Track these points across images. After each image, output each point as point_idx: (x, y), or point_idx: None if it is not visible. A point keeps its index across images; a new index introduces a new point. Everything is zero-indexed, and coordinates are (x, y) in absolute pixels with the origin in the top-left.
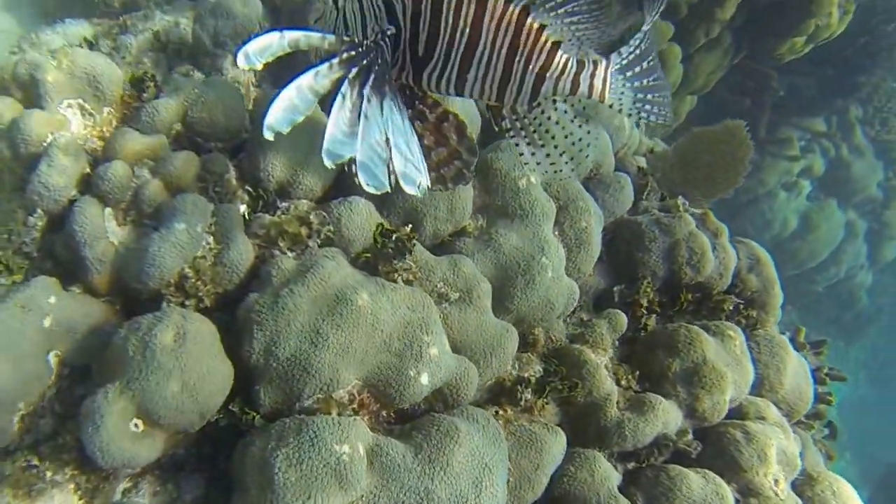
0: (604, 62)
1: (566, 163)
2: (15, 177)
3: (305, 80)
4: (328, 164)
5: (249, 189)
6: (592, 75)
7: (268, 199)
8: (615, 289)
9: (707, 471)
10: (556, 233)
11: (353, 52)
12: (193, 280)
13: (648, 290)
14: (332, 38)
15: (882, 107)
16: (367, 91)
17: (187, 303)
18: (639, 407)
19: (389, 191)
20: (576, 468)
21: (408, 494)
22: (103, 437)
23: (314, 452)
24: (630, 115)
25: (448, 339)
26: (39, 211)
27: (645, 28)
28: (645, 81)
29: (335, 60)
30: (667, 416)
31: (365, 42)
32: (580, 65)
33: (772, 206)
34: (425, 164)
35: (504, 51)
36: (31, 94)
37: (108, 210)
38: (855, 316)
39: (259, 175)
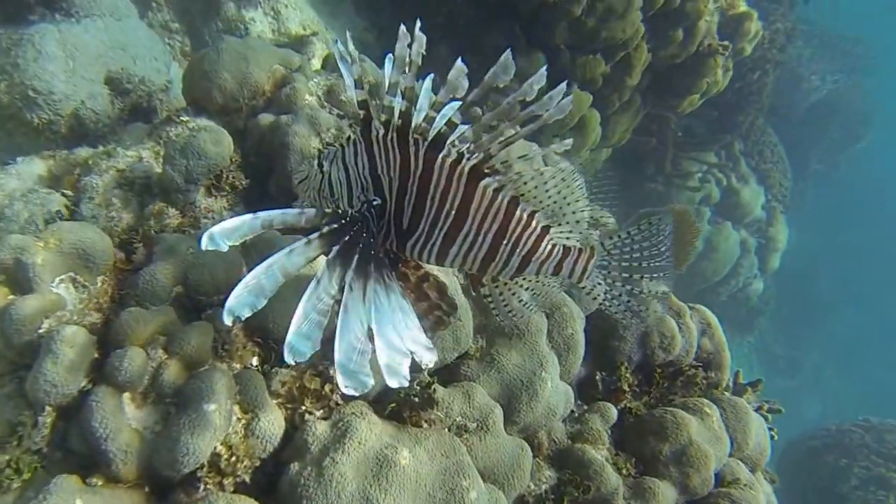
0: (586, 253)
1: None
2: (5, 362)
3: (277, 259)
4: (290, 360)
5: (259, 340)
6: (575, 262)
7: (279, 350)
8: (597, 378)
9: None
10: (547, 341)
11: (335, 226)
12: (227, 458)
13: (628, 375)
14: (310, 213)
15: (757, 140)
16: (349, 278)
17: (225, 482)
18: (642, 494)
19: (369, 389)
20: None
21: None
22: None
23: None
24: (602, 304)
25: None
26: (48, 408)
27: (653, 220)
28: (626, 276)
29: (314, 236)
30: (666, 499)
31: (350, 212)
32: (565, 251)
33: None
34: (422, 333)
35: (491, 235)
36: (18, 276)
37: (126, 395)
38: (747, 312)
39: (267, 326)
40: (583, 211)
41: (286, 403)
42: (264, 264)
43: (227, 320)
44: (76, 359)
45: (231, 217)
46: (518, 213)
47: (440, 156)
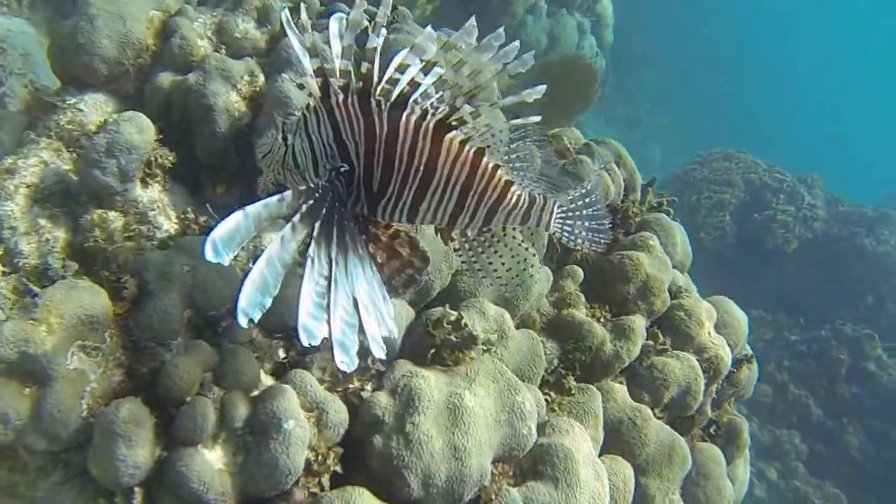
0: (551, 200)
1: (513, 279)
2: (42, 456)
3: (273, 251)
4: (305, 342)
5: (279, 335)
6: (542, 209)
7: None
8: (555, 240)
9: (677, 352)
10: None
11: (311, 202)
12: (315, 459)
13: None
14: (288, 197)
15: None
16: (334, 252)
17: (323, 480)
18: (622, 332)
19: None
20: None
21: None
22: None
23: None
24: (568, 242)
25: None
26: (136, 489)
27: (592, 178)
28: (585, 218)
29: (296, 219)
30: (641, 329)
31: (319, 183)
32: (532, 200)
33: (526, 33)
34: (389, 305)
35: (458, 187)
36: (26, 368)
37: (200, 446)
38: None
39: (286, 322)
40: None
41: (335, 387)
42: (262, 260)
43: (243, 322)
44: (146, 433)
45: (220, 220)
46: (483, 164)
47: (404, 115)
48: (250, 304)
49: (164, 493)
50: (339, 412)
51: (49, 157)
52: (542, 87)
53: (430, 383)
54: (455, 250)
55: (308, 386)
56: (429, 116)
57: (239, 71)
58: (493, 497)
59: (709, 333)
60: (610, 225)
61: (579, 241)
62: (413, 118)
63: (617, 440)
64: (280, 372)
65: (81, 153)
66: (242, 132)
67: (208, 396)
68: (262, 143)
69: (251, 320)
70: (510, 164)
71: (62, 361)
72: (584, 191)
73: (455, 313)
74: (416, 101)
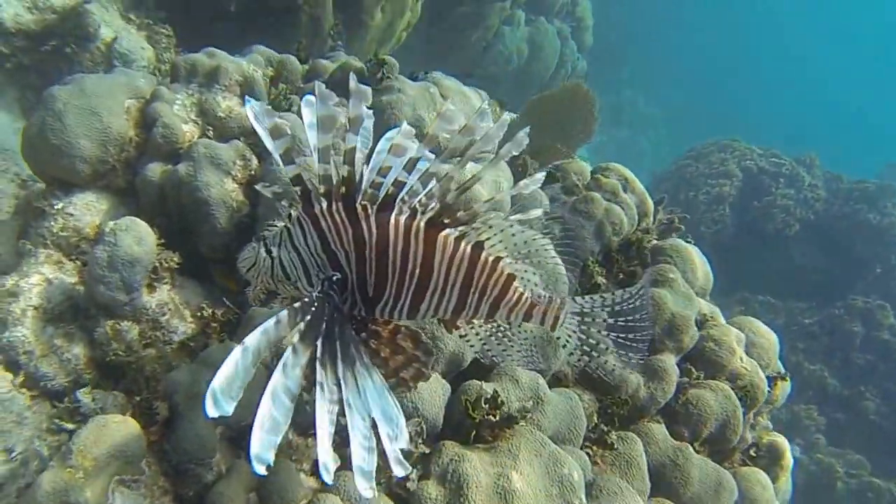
0: (558, 300)
1: (531, 356)
2: None
3: (276, 382)
4: (329, 480)
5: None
6: (545, 311)
7: None
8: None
9: (710, 383)
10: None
11: (308, 319)
12: None
13: (597, 268)
14: (284, 318)
15: None
16: (340, 370)
17: None
18: (655, 374)
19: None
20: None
21: None
22: None
23: None
24: (571, 354)
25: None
26: None
27: (635, 290)
28: (614, 329)
29: (296, 340)
30: (672, 367)
31: (314, 294)
32: (536, 299)
33: (504, 43)
34: (401, 414)
35: (458, 285)
36: None
37: None
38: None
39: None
40: (548, 253)
41: (377, 479)
42: (267, 395)
43: (260, 470)
44: None
45: (218, 368)
46: (482, 259)
47: (392, 216)
48: (263, 447)
49: None
50: None
51: (51, 273)
52: (523, 136)
53: (475, 466)
54: (462, 337)
55: (352, 490)
56: (418, 215)
57: (230, 156)
58: None
59: (741, 359)
60: (648, 342)
61: (594, 353)
62: (402, 219)
63: (661, 483)
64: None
65: (84, 266)
66: (244, 223)
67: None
68: (244, 257)
69: (268, 464)
70: (516, 254)
71: (104, 502)
72: (619, 297)
73: (491, 389)
74: (402, 201)
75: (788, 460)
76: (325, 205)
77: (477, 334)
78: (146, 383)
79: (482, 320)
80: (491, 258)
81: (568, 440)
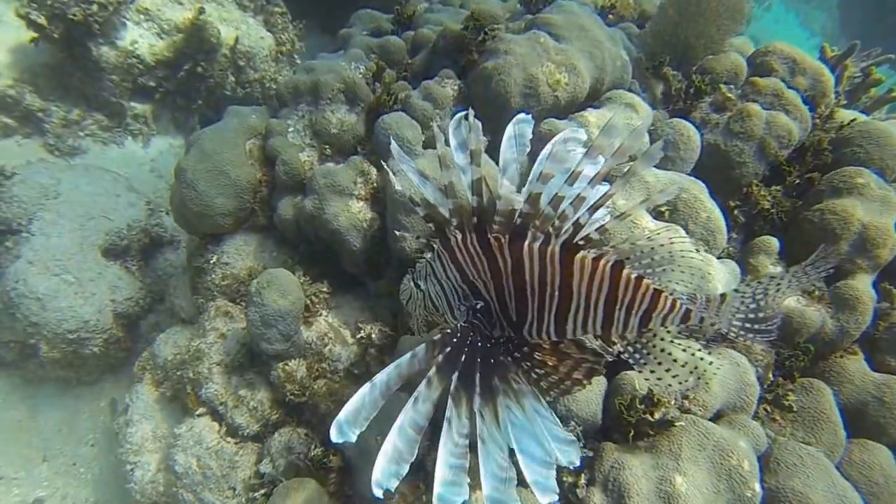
0: (715, 301)
1: (689, 374)
2: None
3: (406, 417)
4: None
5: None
6: (703, 312)
7: None
8: (735, 211)
9: None
10: (689, 236)
11: (448, 350)
12: None
13: (763, 192)
14: (421, 353)
15: None
16: (477, 404)
17: None
18: (845, 304)
19: None
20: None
21: None
22: None
23: None
24: (737, 337)
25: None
26: None
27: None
28: (754, 317)
29: (432, 373)
30: (867, 291)
31: (458, 325)
32: (691, 302)
33: None
34: (565, 431)
35: (602, 303)
36: None
37: None
38: None
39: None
40: (691, 255)
41: None
42: (395, 428)
43: (378, 493)
44: None
45: (351, 399)
46: (625, 276)
47: (525, 244)
48: (384, 475)
49: None
50: None
51: (223, 326)
52: (656, 149)
53: (636, 470)
54: (620, 353)
55: None
56: (552, 240)
57: (349, 178)
58: None
59: None
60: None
61: (749, 335)
62: (536, 245)
63: (863, 424)
64: None
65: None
66: (377, 237)
67: None
68: (402, 290)
69: (388, 490)
70: (658, 267)
71: None
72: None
73: (646, 386)
74: (534, 226)
75: None
76: (459, 237)
77: (633, 350)
78: (322, 421)
79: (634, 333)
80: (634, 275)
81: (739, 409)
